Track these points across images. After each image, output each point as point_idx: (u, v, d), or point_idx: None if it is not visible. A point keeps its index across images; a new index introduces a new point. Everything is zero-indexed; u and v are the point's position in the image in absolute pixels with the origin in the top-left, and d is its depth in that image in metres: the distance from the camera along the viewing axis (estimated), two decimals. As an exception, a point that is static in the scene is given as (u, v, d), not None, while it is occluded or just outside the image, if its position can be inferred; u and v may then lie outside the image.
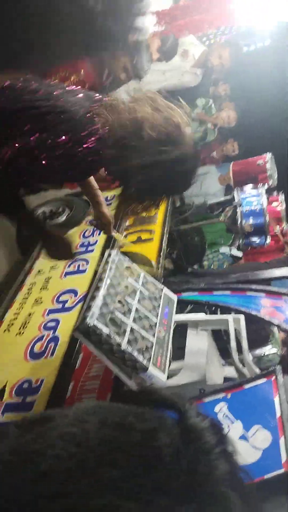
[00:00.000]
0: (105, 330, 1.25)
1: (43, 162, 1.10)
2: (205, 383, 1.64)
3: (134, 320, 1.38)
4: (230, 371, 2.06)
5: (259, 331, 2.50)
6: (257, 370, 1.69)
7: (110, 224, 1.76)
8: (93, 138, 1.13)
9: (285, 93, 3.19)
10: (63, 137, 1.11)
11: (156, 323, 1.46)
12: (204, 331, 1.93)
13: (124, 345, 1.27)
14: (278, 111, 3.09)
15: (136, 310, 1.42)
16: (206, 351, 1.84)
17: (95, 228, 2.39)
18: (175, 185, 1.26)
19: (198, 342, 1.86)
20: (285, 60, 3.43)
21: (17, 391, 1.59)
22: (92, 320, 1.24)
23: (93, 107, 1.19)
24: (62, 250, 1.47)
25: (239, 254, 4.48)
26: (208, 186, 4.08)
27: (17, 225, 2.77)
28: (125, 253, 1.71)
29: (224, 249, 4.36)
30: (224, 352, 2.16)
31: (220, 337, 2.08)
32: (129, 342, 1.30)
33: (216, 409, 1.28)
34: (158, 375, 1.32)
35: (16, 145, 1.10)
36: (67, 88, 1.26)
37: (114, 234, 1.91)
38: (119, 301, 1.39)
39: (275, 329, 2.62)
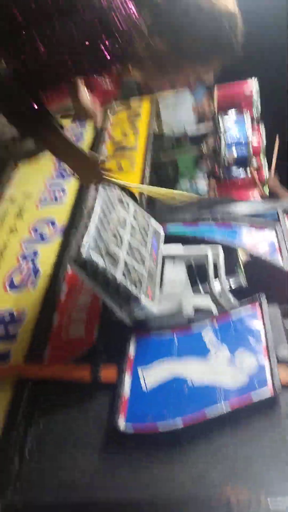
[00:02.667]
0: (101, 262, 1.22)
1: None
2: (181, 312, 1.70)
3: (127, 253, 1.36)
4: (199, 301, 2.13)
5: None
6: (232, 299, 1.76)
7: (91, 113, 1.48)
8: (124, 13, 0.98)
9: (274, 15, 2.98)
10: None
11: (146, 255, 1.45)
12: (180, 261, 1.96)
13: (119, 278, 1.25)
14: (265, 32, 2.89)
15: (128, 242, 1.39)
16: (184, 281, 1.88)
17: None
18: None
19: (176, 274, 1.89)
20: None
21: (-2, 321, 1.56)
22: (88, 252, 1.20)
23: None
24: (92, 171, 1.29)
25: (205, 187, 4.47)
26: (181, 113, 3.93)
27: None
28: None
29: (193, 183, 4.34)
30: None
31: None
32: (123, 274, 1.28)
33: (203, 334, 1.34)
34: (149, 306, 1.34)
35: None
36: None
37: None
38: (112, 232, 1.35)
39: (240, 261, 2.71)
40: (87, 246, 1.19)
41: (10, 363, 1.40)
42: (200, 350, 1.29)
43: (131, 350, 1.33)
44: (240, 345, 1.26)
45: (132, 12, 1.00)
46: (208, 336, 1.33)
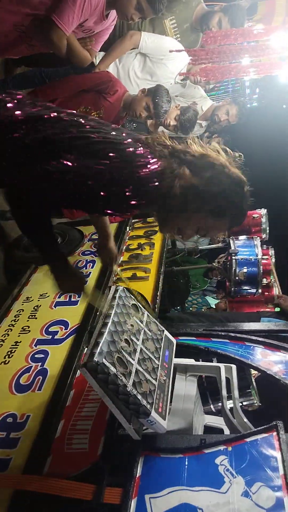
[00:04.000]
0: (112, 369, 1.21)
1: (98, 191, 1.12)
2: (191, 431, 1.61)
3: (139, 362, 1.35)
4: (209, 419, 2.02)
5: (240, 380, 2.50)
6: (246, 420, 1.67)
7: (114, 259, 1.74)
8: (146, 170, 1.12)
9: (281, 150, 3.37)
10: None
11: (158, 366, 1.43)
12: (193, 377, 1.91)
13: (130, 387, 1.23)
14: (273, 168, 3.25)
15: (141, 351, 1.39)
16: (195, 398, 1.81)
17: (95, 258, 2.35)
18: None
19: (187, 388, 1.83)
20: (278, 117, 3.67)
21: (0, 425, 1.49)
22: (101, 357, 1.20)
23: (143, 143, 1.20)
24: (75, 284, 1.43)
25: (214, 302, 4.60)
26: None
27: (7, 251, 2.71)
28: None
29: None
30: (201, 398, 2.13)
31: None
32: (134, 384, 1.26)
33: (217, 461, 1.25)
34: (159, 421, 1.28)
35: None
36: (111, 126, 1.26)
37: (115, 268, 1.90)
38: (126, 340, 1.36)
39: (253, 380, 2.64)
40: (100, 352, 1.20)
41: (9, 473, 1.30)
42: (214, 479, 1.19)
43: (138, 471, 1.24)
44: (257, 478, 1.17)
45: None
46: (222, 464, 1.24)
